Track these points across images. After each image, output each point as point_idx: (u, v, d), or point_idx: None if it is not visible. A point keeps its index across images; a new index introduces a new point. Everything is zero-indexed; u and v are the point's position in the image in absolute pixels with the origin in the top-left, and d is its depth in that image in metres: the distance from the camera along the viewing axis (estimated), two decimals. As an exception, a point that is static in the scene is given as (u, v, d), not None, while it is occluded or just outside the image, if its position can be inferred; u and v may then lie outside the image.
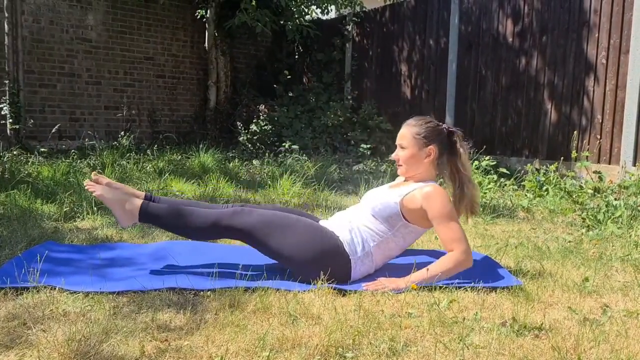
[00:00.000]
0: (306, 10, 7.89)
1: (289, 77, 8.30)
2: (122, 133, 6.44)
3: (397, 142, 2.29)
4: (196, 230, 2.19)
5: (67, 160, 5.06)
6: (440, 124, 2.30)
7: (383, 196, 2.24)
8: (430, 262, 2.21)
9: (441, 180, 2.42)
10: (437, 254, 2.60)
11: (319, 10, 7.95)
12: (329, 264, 2.09)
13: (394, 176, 4.95)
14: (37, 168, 4.63)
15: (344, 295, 2.01)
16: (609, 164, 4.89)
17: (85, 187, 2.25)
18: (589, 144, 4.99)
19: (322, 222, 2.31)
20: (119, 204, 2.20)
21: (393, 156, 2.31)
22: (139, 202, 2.21)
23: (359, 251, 2.16)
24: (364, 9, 7.63)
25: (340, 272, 2.12)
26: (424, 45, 6.70)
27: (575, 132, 5.09)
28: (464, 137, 2.32)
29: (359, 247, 2.17)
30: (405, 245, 2.29)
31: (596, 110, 5.02)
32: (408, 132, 2.26)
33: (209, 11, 7.60)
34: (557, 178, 4.34)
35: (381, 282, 2.07)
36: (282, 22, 7.44)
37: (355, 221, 2.23)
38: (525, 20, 5.60)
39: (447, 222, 2.12)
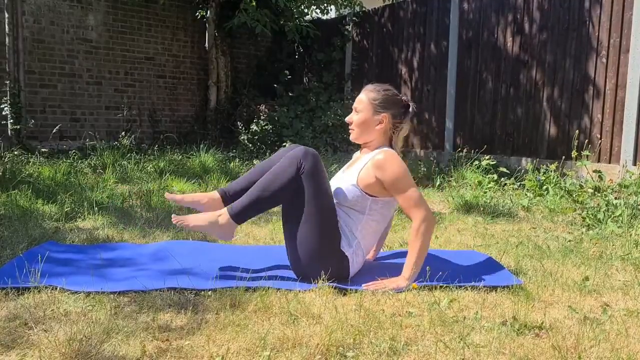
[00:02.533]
0: (306, 10, 7.89)
1: (289, 77, 8.30)
2: (123, 133, 6.45)
3: (354, 105, 2.27)
4: (284, 189, 2.10)
5: (68, 161, 5.07)
6: (399, 94, 2.28)
7: (341, 182, 2.21)
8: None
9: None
10: (439, 255, 2.60)
11: (318, 11, 7.96)
12: (331, 265, 2.09)
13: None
14: (38, 168, 4.63)
15: (344, 294, 2.01)
16: (609, 163, 4.89)
17: (176, 223, 2.16)
18: (589, 143, 4.99)
19: None
20: (212, 225, 2.13)
21: (347, 119, 2.29)
22: (225, 212, 2.13)
23: (353, 244, 2.16)
24: (363, 9, 7.64)
25: (341, 271, 2.13)
26: (424, 44, 6.70)
27: (575, 131, 5.09)
28: (415, 113, 2.28)
29: (351, 240, 2.16)
30: (387, 219, 2.27)
31: (596, 110, 5.02)
32: (365, 97, 2.24)
33: (209, 11, 7.60)
34: (557, 177, 4.34)
35: (382, 282, 2.08)
36: (282, 23, 7.45)
37: (340, 222, 2.20)
38: (525, 19, 5.60)
39: (401, 189, 2.10)
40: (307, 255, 2.10)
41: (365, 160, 2.20)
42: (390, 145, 2.28)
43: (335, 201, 2.20)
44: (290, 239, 2.15)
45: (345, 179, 2.22)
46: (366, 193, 2.16)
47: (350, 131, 2.29)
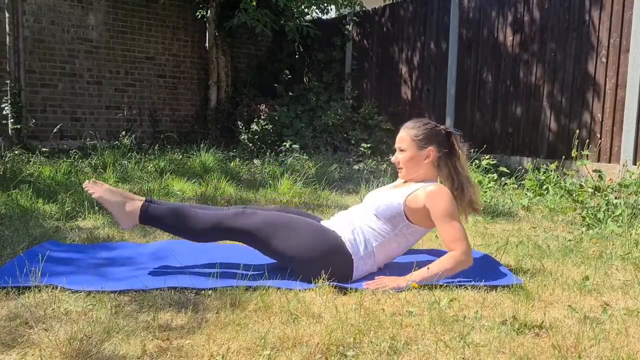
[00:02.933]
0: (306, 10, 7.89)
1: (289, 76, 8.30)
2: (123, 133, 6.45)
3: (396, 145, 2.31)
4: (197, 232, 2.19)
5: (69, 160, 5.07)
6: (438, 125, 2.32)
7: (386, 196, 2.25)
8: (430, 261, 2.22)
9: (440, 181, 2.43)
10: (437, 253, 2.60)
11: (318, 10, 7.95)
12: (331, 264, 2.10)
13: (394, 175, 4.95)
14: (39, 168, 4.63)
15: (344, 294, 2.01)
16: (609, 162, 4.89)
17: (85, 188, 2.24)
18: (589, 143, 4.99)
19: (324, 222, 2.31)
20: (118, 206, 2.19)
21: (393, 159, 2.33)
22: (139, 203, 2.20)
23: (361, 250, 2.17)
24: (363, 9, 7.63)
25: (342, 271, 2.13)
26: (424, 44, 6.70)
27: (575, 130, 5.09)
28: (462, 138, 2.33)
29: (362, 247, 2.17)
30: (408, 246, 2.30)
31: (596, 109, 5.02)
32: (407, 135, 2.28)
33: (209, 11, 7.60)
34: (557, 177, 4.34)
35: (382, 280, 2.08)
36: (282, 22, 7.45)
37: (357, 221, 2.23)
38: (525, 19, 5.60)
39: (450, 222, 2.13)
40: (305, 262, 2.12)
41: (416, 187, 2.22)
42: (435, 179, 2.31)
43: (373, 206, 2.24)
44: (282, 256, 2.19)
45: (394, 195, 2.24)
46: (406, 215, 2.19)
47: (398, 170, 2.32)
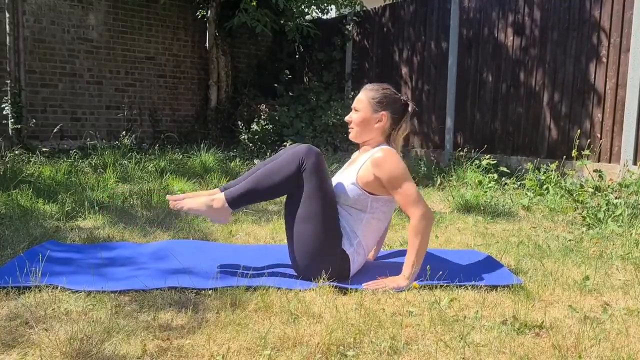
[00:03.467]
0: (306, 10, 7.89)
1: (289, 76, 8.30)
2: (124, 133, 6.45)
3: (353, 105, 2.30)
4: (278, 186, 2.14)
5: (69, 160, 5.07)
6: (398, 93, 2.29)
7: (342, 182, 2.22)
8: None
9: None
10: (439, 254, 2.60)
11: (318, 10, 7.95)
12: (332, 263, 2.10)
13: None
14: (39, 168, 4.63)
15: (344, 293, 2.02)
16: (610, 162, 4.89)
17: (171, 206, 2.20)
18: (589, 143, 4.99)
19: None
20: (206, 207, 2.16)
21: (346, 118, 2.31)
22: (220, 195, 2.17)
23: (354, 243, 2.17)
24: (364, 9, 7.63)
25: (341, 269, 2.13)
26: (424, 44, 6.69)
27: (575, 130, 5.08)
28: (414, 113, 2.31)
29: (352, 239, 2.17)
30: (388, 217, 2.28)
31: (596, 109, 5.02)
32: (364, 96, 2.27)
33: (209, 11, 7.60)
34: (558, 177, 4.34)
35: (382, 281, 2.08)
36: (282, 22, 7.45)
37: (342, 220, 2.21)
38: (525, 19, 5.60)
39: (399, 186, 2.11)
40: (309, 254, 2.11)
41: (365, 159, 2.21)
42: (388, 144, 2.29)
43: (340, 200, 2.21)
44: (292, 238, 2.16)
45: (345, 178, 2.23)
46: (366, 191, 2.17)
47: (349, 130, 2.31)
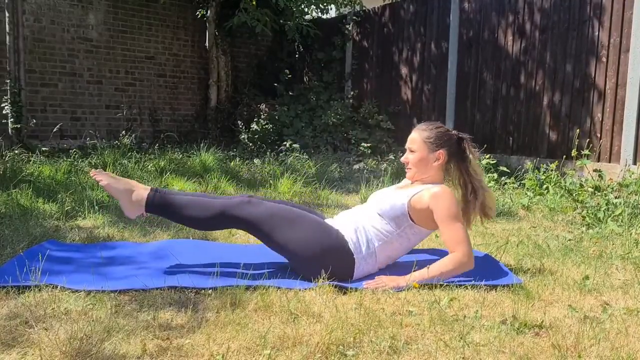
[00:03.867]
0: (306, 10, 7.89)
1: (289, 76, 8.30)
2: (123, 132, 6.45)
3: (407, 145, 2.32)
4: (202, 219, 2.19)
5: (69, 160, 5.06)
6: (450, 129, 2.33)
7: (391, 196, 2.25)
8: (431, 261, 2.22)
9: (449, 184, 2.43)
10: (438, 253, 2.60)
11: (318, 10, 7.95)
12: (333, 262, 2.10)
13: (394, 175, 4.95)
14: (39, 167, 4.63)
15: (344, 293, 2.02)
16: (609, 162, 4.89)
17: (91, 175, 2.24)
18: (589, 143, 4.99)
19: (328, 221, 2.31)
20: (125, 194, 2.19)
21: (403, 159, 2.34)
22: (145, 192, 2.20)
23: (363, 250, 2.17)
24: (363, 9, 7.63)
25: (343, 270, 2.13)
26: (424, 44, 6.69)
27: (575, 130, 5.08)
28: (473, 144, 2.34)
29: (364, 247, 2.18)
30: (410, 247, 2.30)
31: (596, 109, 5.02)
32: (418, 136, 2.29)
33: (209, 10, 7.60)
34: (558, 176, 4.34)
35: (382, 280, 2.08)
36: (282, 22, 7.44)
37: (360, 220, 2.24)
38: (525, 19, 5.60)
39: (452, 223, 2.13)
40: (307, 259, 2.13)
41: (421, 188, 2.23)
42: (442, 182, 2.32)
43: (377, 206, 2.25)
44: (285, 254, 2.20)
45: (399, 195, 2.24)
46: (410, 215, 2.19)
47: (407, 170, 2.33)
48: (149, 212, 2.23)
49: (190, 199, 2.21)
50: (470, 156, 2.30)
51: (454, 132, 2.33)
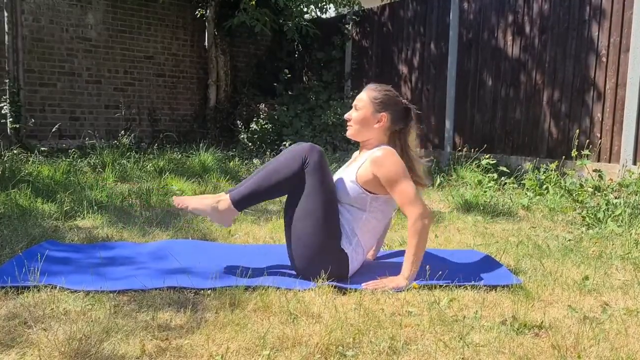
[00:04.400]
0: (305, 10, 7.89)
1: (289, 75, 8.30)
2: (122, 132, 6.44)
3: (353, 103, 2.30)
4: (282, 184, 2.15)
5: (68, 160, 5.06)
6: (400, 96, 2.31)
7: (342, 180, 2.23)
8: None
9: None
10: (438, 254, 2.60)
11: (317, 10, 7.95)
12: (331, 263, 2.10)
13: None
14: (38, 167, 4.63)
15: (344, 293, 2.01)
16: (609, 162, 4.89)
17: (176, 205, 2.21)
18: (589, 143, 4.99)
19: None
20: (212, 208, 2.17)
21: (346, 116, 2.30)
22: (226, 199, 2.17)
23: (353, 242, 2.17)
24: (362, 8, 7.63)
25: (341, 268, 2.13)
26: (424, 44, 6.69)
27: (575, 130, 5.08)
28: (418, 118, 2.32)
29: (352, 239, 2.17)
30: (388, 216, 2.28)
31: (596, 109, 5.02)
32: (366, 95, 2.27)
33: (208, 10, 7.59)
34: (557, 176, 4.34)
35: (381, 281, 2.08)
36: (281, 22, 7.44)
37: (342, 219, 2.21)
38: (525, 19, 5.60)
39: (398, 185, 2.11)
40: (308, 253, 2.12)
41: (364, 158, 2.22)
42: (388, 145, 2.28)
43: (340, 197, 2.22)
44: (291, 238, 2.17)
45: (346, 176, 2.23)
46: (366, 190, 2.17)
47: (348, 127, 2.31)
48: (241, 210, 2.21)
49: (259, 176, 2.17)
50: (411, 128, 2.29)
51: (403, 99, 2.31)
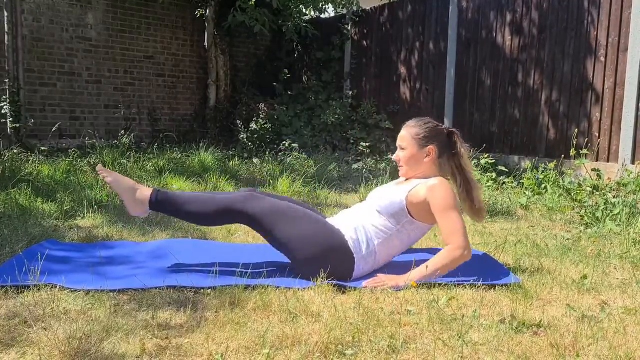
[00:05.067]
0: (305, 10, 7.88)
1: (288, 75, 8.30)
2: (122, 132, 6.45)
3: (398, 143, 2.33)
4: (206, 214, 2.19)
5: (68, 159, 5.06)
6: (440, 124, 2.33)
7: (389, 193, 2.26)
8: (428, 258, 2.21)
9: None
10: (436, 252, 2.60)
11: (316, 10, 7.95)
12: (333, 262, 2.10)
13: (393, 174, 4.95)
14: (38, 167, 4.63)
15: (343, 292, 2.02)
16: (608, 161, 4.89)
17: (98, 172, 2.25)
18: (588, 142, 4.99)
19: (329, 220, 2.32)
20: (130, 192, 2.21)
21: (394, 157, 2.34)
22: (149, 190, 2.22)
23: (363, 249, 2.18)
24: (361, 9, 7.63)
25: (343, 270, 2.14)
26: (423, 44, 6.69)
27: (574, 130, 5.09)
28: (462, 138, 2.35)
29: (364, 246, 2.18)
30: (409, 243, 2.31)
31: (595, 108, 5.02)
32: (407, 134, 2.29)
33: (208, 10, 7.59)
34: (556, 176, 4.34)
35: (381, 279, 2.08)
36: (280, 22, 7.44)
37: (361, 219, 2.24)
38: (524, 18, 5.61)
39: (448, 214, 2.13)
40: (307, 257, 2.13)
41: (418, 182, 2.24)
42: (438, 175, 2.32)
43: (376, 203, 2.26)
44: (286, 251, 2.20)
45: (397, 191, 2.25)
46: (408, 210, 2.20)
47: (399, 168, 2.33)
48: (152, 210, 2.24)
49: (193, 195, 2.23)
50: (462, 150, 2.31)
51: (443, 126, 2.33)
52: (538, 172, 4.50)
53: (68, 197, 3.58)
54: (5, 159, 4.79)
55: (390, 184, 2.44)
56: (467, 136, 6.12)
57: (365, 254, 2.18)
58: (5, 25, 6.27)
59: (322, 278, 2.07)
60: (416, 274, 2.08)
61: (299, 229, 2.14)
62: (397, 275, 2.09)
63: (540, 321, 1.72)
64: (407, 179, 2.36)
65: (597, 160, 4.96)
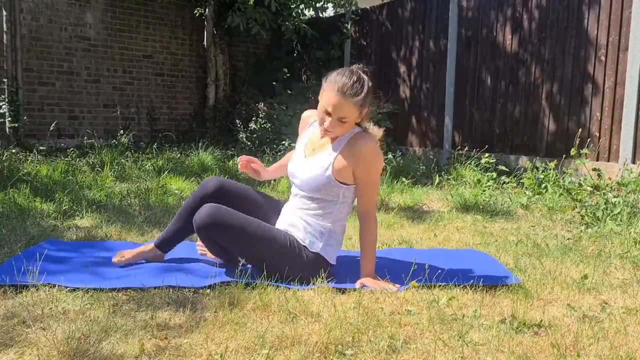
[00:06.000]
0: (304, 10, 7.87)
1: (288, 75, 8.29)
2: (121, 131, 6.44)
3: (335, 113, 2.02)
4: (188, 221, 2.27)
5: (66, 159, 5.05)
6: (367, 77, 2.07)
7: (310, 172, 2.12)
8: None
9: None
10: (437, 253, 2.60)
11: (314, 11, 7.93)
12: (305, 266, 2.10)
13: (392, 173, 4.94)
14: (36, 166, 4.62)
15: (343, 292, 2.01)
16: (608, 161, 4.89)
17: (115, 261, 2.31)
18: (588, 142, 4.99)
19: (277, 225, 2.25)
20: (143, 254, 2.37)
21: (327, 127, 2.05)
22: (151, 244, 2.40)
23: (324, 237, 2.14)
24: (359, 9, 7.62)
25: (321, 267, 2.12)
26: (423, 42, 6.69)
27: (574, 129, 5.08)
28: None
29: (321, 238, 2.14)
30: (352, 201, 2.22)
31: (595, 108, 5.01)
32: (352, 104, 2.02)
33: (207, 9, 7.58)
34: (556, 175, 4.34)
35: (378, 284, 2.06)
36: (279, 22, 7.43)
37: (303, 215, 2.16)
38: (524, 17, 5.60)
39: (372, 188, 2.13)
40: (280, 272, 2.10)
41: (340, 146, 2.11)
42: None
43: (302, 193, 2.17)
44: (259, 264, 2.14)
45: (316, 168, 2.12)
46: (339, 182, 2.11)
47: (325, 133, 2.10)
48: (164, 252, 2.39)
49: (175, 220, 2.37)
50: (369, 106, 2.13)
51: (367, 80, 2.07)
52: (538, 171, 4.50)
53: (66, 196, 3.57)
54: (3, 158, 4.78)
55: (301, 149, 2.24)
56: (468, 135, 6.13)
57: (325, 241, 2.14)
58: (4, 24, 6.26)
59: (322, 278, 2.06)
60: (370, 264, 2.11)
61: (260, 254, 2.10)
62: (379, 280, 2.08)
63: (541, 321, 1.72)
64: (318, 141, 2.18)
65: (597, 160, 4.95)
